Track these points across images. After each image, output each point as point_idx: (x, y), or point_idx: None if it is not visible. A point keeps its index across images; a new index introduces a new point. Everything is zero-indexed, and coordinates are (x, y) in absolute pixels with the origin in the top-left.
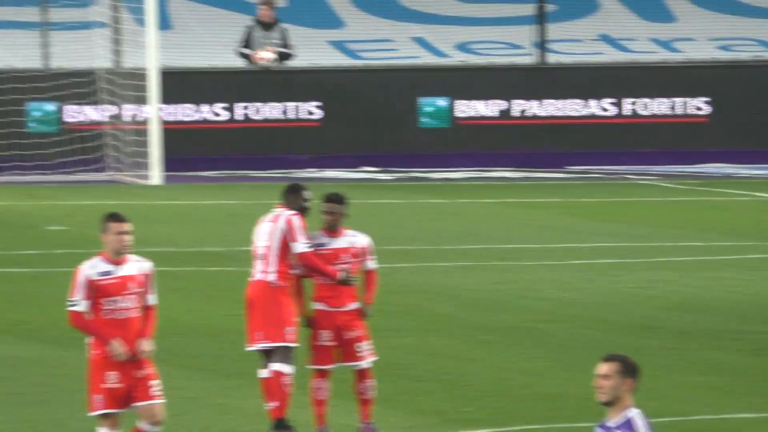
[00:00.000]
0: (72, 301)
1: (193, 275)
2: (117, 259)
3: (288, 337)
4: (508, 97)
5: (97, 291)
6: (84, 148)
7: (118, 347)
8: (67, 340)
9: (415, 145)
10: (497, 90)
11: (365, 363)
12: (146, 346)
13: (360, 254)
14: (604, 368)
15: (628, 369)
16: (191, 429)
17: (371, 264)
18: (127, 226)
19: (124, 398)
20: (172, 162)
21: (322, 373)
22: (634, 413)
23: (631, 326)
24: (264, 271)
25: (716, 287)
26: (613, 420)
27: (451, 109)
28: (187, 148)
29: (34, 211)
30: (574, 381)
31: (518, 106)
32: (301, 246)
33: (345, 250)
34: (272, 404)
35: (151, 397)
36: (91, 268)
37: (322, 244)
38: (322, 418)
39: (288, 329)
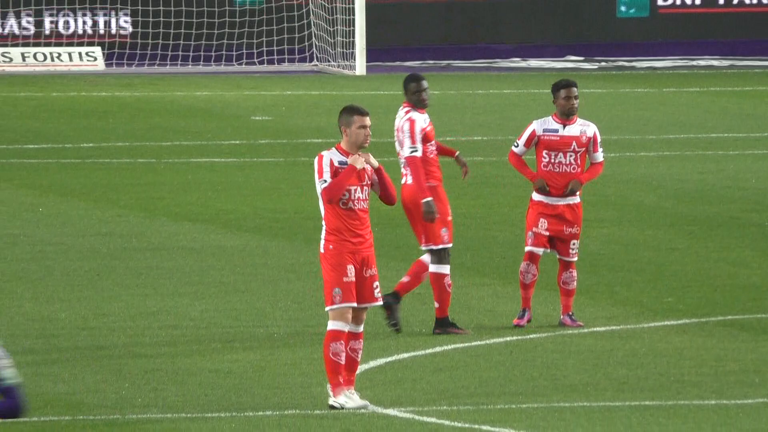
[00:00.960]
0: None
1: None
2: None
3: (439, 240)
4: None
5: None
6: (291, 38)
7: None
8: (271, 230)
9: (617, 35)
10: None
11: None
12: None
13: (588, 143)
14: None
15: None
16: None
17: (599, 156)
18: (368, 120)
19: (356, 294)
20: (376, 53)
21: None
22: None
23: None
24: (405, 174)
25: None
26: None
27: None
28: (391, 38)
29: (239, 101)
30: None
31: None
32: (407, 150)
33: (576, 138)
34: (436, 304)
35: (375, 299)
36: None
37: (554, 131)
38: (527, 300)
39: (441, 231)
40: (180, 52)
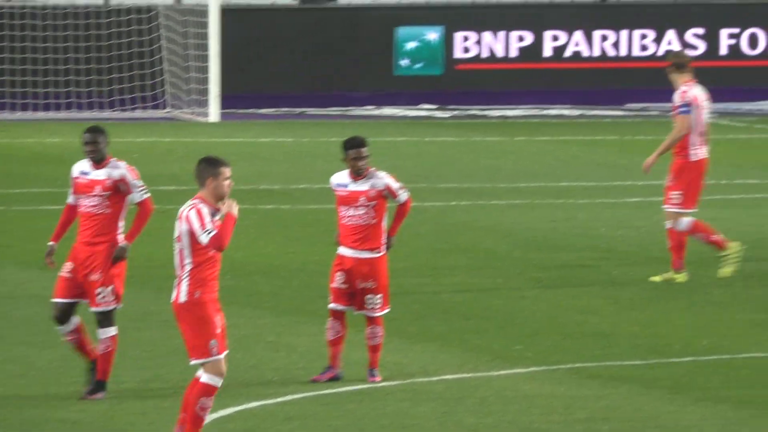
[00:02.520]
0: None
1: (247, 213)
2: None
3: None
4: (567, 34)
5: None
6: (143, 86)
7: None
8: None
9: (470, 83)
10: (557, 27)
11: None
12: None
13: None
14: None
15: None
16: (242, 366)
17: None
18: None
19: None
20: (231, 99)
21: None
22: None
23: (686, 264)
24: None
25: None
26: None
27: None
28: (246, 85)
29: None
30: (626, 319)
31: (578, 44)
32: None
33: (364, 192)
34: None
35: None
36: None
37: (345, 185)
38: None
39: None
40: (30, 100)
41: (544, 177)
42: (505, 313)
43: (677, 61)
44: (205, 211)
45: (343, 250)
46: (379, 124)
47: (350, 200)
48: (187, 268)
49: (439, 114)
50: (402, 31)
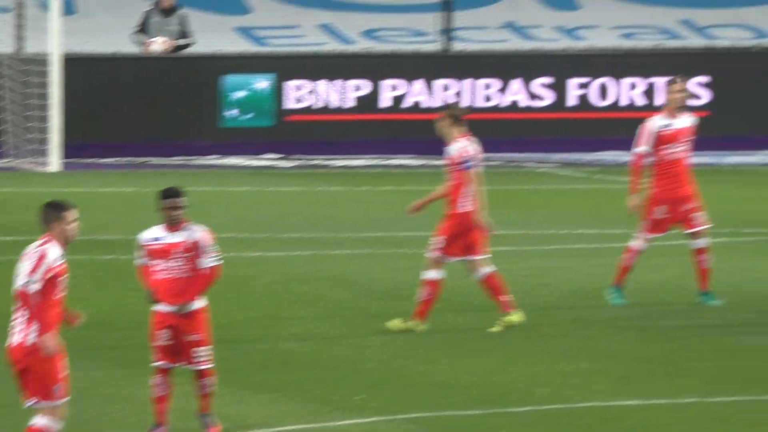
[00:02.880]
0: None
1: (85, 264)
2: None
3: None
4: (409, 84)
5: None
6: None
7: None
8: None
9: (315, 132)
10: (400, 77)
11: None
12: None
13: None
14: None
15: None
16: (79, 419)
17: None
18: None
19: None
20: (73, 149)
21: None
22: None
23: (525, 314)
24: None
25: (610, 275)
26: None
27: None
28: (87, 135)
29: None
30: (466, 368)
31: (420, 94)
32: None
33: (180, 243)
34: None
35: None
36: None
37: (158, 238)
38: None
39: None
40: None
41: (388, 226)
42: (348, 363)
43: (453, 114)
44: (52, 253)
45: (162, 307)
46: (222, 174)
47: (165, 253)
48: (34, 310)
49: (282, 164)
50: (229, 79)
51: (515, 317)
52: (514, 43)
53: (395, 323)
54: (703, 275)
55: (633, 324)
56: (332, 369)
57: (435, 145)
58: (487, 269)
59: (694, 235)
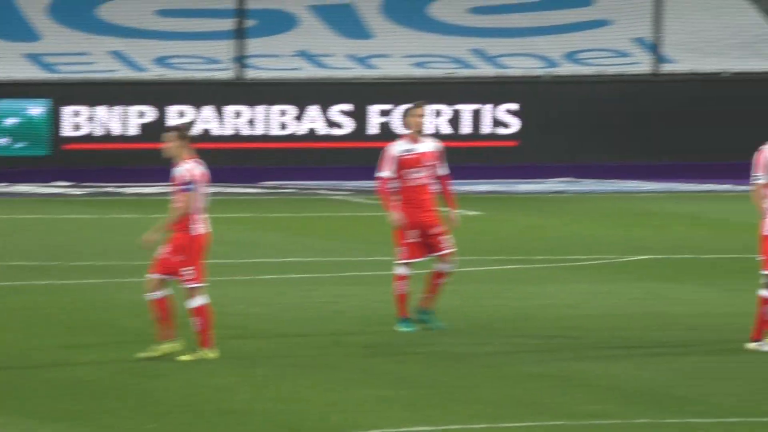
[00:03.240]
0: None
1: None
2: None
3: None
4: (198, 111)
5: None
6: None
7: None
8: None
9: (96, 160)
10: (188, 103)
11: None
12: None
13: None
14: None
15: None
16: None
17: None
18: None
19: None
20: None
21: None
22: None
23: (319, 341)
24: None
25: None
26: None
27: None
28: None
29: None
30: (260, 396)
31: (210, 121)
32: None
33: None
34: None
35: None
36: None
37: None
38: None
39: None
40: None
41: None
42: (139, 391)
43: (182, 135)
44: None
45: None
46: (11, 202)
47: None
48: None
49: (73, 191)
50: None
51: (168, 347)
52: (308, 71)
53: (185, 357)
54: (431, 295)
55: (422, 350)
56: (123, 398)
57: (227, 173)
58: (160, 294)
59: (441, 258)
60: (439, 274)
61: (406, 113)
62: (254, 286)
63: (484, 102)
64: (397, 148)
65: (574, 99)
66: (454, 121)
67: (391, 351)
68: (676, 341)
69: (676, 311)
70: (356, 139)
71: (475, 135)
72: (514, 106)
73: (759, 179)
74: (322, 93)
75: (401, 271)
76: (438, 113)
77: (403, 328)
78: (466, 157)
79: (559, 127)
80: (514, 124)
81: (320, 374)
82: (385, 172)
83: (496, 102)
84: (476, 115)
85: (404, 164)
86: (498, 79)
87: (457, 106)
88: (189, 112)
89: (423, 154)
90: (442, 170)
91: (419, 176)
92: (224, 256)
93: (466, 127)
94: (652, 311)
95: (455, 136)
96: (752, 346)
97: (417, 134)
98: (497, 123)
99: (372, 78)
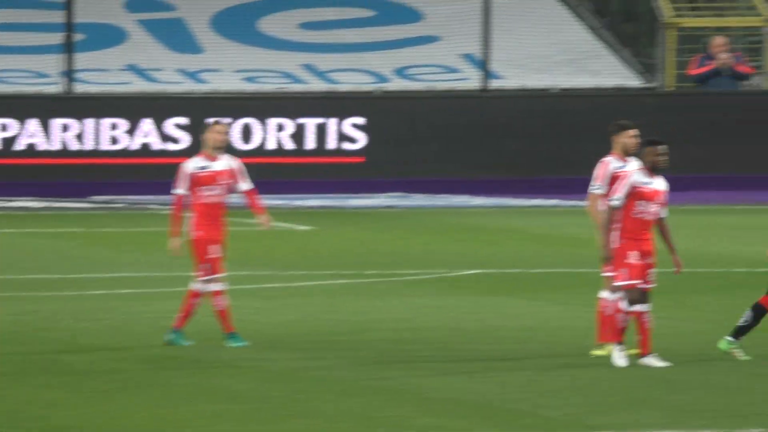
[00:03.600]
0: None
1: None
2: None
3: None
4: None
5: None
6: None
7: None
8: None
9: None
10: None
11: None
12: None
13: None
14: None
15: None
16: None
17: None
18: None
19: None
20: None
21: None
22: None
23: (149, 355)
24: None
25: (235, 315)
26: None
27: None
28: None
29: None
30: (92, 411)
31: (35, 135)
32: None
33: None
34: None
35: None
36: None
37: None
38: None
39: None
40: None
41: (9, 269)
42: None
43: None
44: None
45: None
46: None
47: None
48: None
49: None
50: None
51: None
52: (138, 85)
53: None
54: (185, 315)
55: (255, 365)
56: None
57: (58, 188)
58: None
59: (207, 278)
60: (196, 294)
61: (203, 129)
62: (83, 300)
63: (325, 116)
64: (192, 164)
65: (405, 114)
66: (298, 135)
67: (224, 365)
68: (508, 354)
69: (508, 325)
70: (192, 155)
71: (301, 151)
72: (360, 120)
73: (597, 189)
74: (155, 107)
75: (198, 287)
76: (281, 127)
77: (233, 344)
78: (308, 172)
79: (391, 142)
80: (361, 139)
81: (151, 389)
82: (179, 189)
83: (338, 116)
84: (321, 129)
85: (198, 181)
86: (329, 95)
87: (282, 120)
88: (12, 126)
89: (219, 172)
90: (246, 185)
91: (212, 194)
92: (53, 271)
93: (310, 143)
94: (485, 325)
95: (299, 152)
96: (599, 351)
97: (214, 151)
98: (342, 138)
99: (204, 93)
